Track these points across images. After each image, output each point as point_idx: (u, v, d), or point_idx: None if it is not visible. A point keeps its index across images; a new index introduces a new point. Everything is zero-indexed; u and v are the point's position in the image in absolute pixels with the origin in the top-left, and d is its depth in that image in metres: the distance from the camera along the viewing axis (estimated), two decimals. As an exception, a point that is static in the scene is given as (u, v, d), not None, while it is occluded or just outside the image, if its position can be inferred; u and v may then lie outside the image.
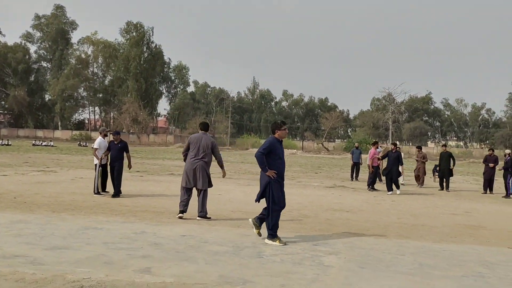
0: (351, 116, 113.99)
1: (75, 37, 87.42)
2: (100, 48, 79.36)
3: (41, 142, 52.03)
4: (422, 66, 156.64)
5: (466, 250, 6.19)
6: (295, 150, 70.81)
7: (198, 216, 7.74)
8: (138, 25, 77.80)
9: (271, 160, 6.17)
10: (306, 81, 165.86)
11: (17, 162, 20.82)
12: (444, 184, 16.14)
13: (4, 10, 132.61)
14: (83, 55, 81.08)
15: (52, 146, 48.23)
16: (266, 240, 6.05)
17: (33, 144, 48.94)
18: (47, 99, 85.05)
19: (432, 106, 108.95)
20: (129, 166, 11.05)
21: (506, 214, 10.70)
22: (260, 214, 6.35)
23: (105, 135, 11.98)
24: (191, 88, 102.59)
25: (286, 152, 66.64)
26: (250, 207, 9.67)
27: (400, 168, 15.32)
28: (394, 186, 14.30)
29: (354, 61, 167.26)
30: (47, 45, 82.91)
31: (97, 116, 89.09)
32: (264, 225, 6.23)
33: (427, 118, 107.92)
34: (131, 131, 74.78)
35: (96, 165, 11.03)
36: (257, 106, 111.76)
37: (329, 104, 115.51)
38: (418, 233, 7.41)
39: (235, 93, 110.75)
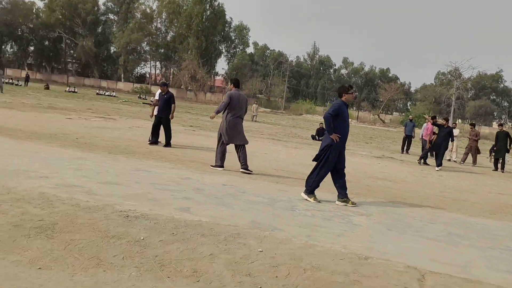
0: (412, 89, 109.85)
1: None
2: (165, 3, 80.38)
3: (104, 92, 54.48)
4: (494, 41, 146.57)
5: (502, 226, 6.15)
6: (350, 120, 69.83)
7: (241, 169, 8.07)
8: (202, -18, 77.83)
9: (337, 123, 6.27)
10: (368, 50, 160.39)
11: (81, 108, 22.13)
12: (499, 164, 15.58)
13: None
14: (148, 10, 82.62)
15: (114, 96, 50.43)
16: (302, 194, 6.28)
17: (97, 93, 51.35)
18: (112, 51, 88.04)
19: (502, 85, 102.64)
20: (171, 117, 11.32)
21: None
22: (338, 190, 6.36)
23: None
24: (250, 49, 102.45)
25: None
26: (292, 167, 9.95)
27: (450, 145, 14.96)
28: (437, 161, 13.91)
29: (420, 31, 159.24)
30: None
31: (157, 71, 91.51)
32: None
33: (494, 97, 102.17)
34: (189, 88, 76.34)
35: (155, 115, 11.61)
36: (315, 72, 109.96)
37: (390, 75, 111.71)
38: (456, 207, 7.39)
39: (294, 57, 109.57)
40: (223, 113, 8.29)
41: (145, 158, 8.42)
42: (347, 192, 6.28)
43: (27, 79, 48.98)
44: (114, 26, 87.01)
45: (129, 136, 12.19)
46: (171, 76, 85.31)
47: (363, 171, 11.00)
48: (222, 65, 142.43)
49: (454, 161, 17.19)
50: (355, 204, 6.24)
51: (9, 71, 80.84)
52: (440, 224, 5.74)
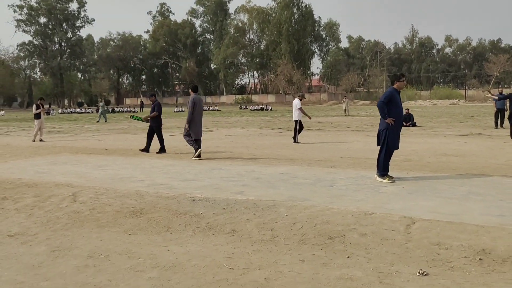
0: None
1: (231, 7, 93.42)
2: (254, 15, 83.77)
3: (208, 107, 58.69)
4: None
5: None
6: (457, 100, 65.86)
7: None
8: (288, -13, 79.67)
9: (390, 108, 6.97)
10: (472, 22, 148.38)
11: (183, 125, 24.85)
12: None
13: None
14: (239, 24, 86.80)
15: (217, 110, 54.14)
16: (377, 178, 7.01)
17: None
18: (212, 68, 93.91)
19: None
20: (146, 118, 12.18)
21: None
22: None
23: (300, 99, 14.20)
24: (344, 44, 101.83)
25: (446, 102, 62.52)
26: (361, 154, 10.83)
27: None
28: None
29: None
30: (209, 18, 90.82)
31: (255, 80, 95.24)
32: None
33: None
34: (287, 92, 78.38)
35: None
36: (417, 55, 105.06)
37: (502, 45, 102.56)
38: (509, 172, 7.75)
39: (391, 44, 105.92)
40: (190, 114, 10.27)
41: (223, 159, 10.02)
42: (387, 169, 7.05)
43: (141, 106, 54.89)
44: (211, 45, 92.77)
45: (218, 144, 14.01)
46: (268, 83, 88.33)
47: (433, 150, 11.43)
48: (317, 64, 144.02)
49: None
50: (394, 179, 6.92)
51: (127, 100, 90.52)
52: (467, 186, 6.39)
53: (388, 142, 6.99)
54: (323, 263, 3.84)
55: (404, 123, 20.54)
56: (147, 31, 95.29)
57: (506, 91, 13.34)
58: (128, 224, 5.10)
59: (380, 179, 6.96)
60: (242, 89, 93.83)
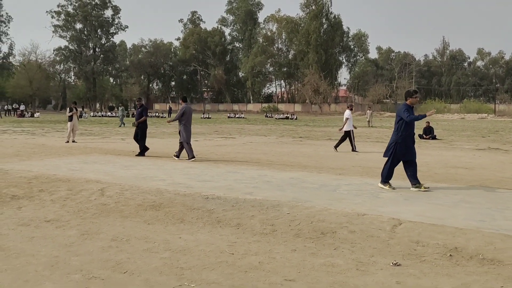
0: None
1: (261, 16, 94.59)
2: (283, 24, 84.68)
3: (234, 114, 59.68)
4: None
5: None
6: (486, 114, 64.84)
7: (176, 156, 11.69)
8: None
9: (402, 124, 7.37)
10: (506, 35, 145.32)
11: (209, 131, 25.72)
12: None
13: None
14: (268, 33, 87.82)
15: (243, 118, 55.01)
16: (379, 184, 7.49)
17: (228, 117, 56.62)
18: (240, 76, 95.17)
19: None
20: (135, 124, 12.85)
21: None
22: (410, 179, 7.41)
23: (351, 109, 14.81)
24: (374, 55, 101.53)
25: (475, 116, 61.64)
26: (373, 164, 11.31)
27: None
28: None
29: None
30: (239, 27, 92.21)
31: (282, 89, 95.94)
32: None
33: None
34: (313, 101, 78.75)
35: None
36: (447, 68, 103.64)
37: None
38: (509, 185, 8.12)
39: (422, 56, 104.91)
40: (178, 122, 11.70)
41: (241, 164, 10.68)
42: (417, 179, 7.35)
43: (169, 111, 56.30)
44: (240, 53, 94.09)
45: (239, 150, 14.68)
46: (295, 92, 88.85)
47: (444, 163, 11.78)
48: (344, 75, 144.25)
49: None
50: (428, 188, 7.25)
51: (156, 106, 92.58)
52: (461, 195, 6.84)
53: (396, 154, 7.44)
54: (311, 252, 4.42)
55: (424, 136, 20.84)
56: (178, 39, 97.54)
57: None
58: (147, 215, 5.80)
59: (381, 185, 7.46)
60: (269, 98, 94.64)
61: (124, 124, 31.23)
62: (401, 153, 7.46)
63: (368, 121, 34.22)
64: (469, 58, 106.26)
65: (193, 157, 11.19)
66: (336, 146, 14.58)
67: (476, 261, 4.17)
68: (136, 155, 12.24)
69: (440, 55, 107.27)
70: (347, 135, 14.55)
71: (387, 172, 7.50)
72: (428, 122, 21.25)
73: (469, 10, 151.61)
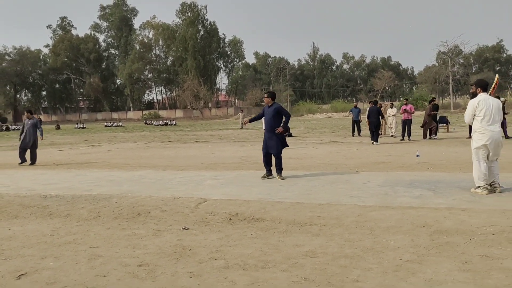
0: (415, 73, 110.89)
1: (136, 23, 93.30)
2: (160, 31, 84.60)
3: (112, 123, 58.31)
4: (492, 13, 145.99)
5: (415, 178, 8.77)
6: (349, 112, 71.68)
7: None
8: (192, 5, 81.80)
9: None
10: (367, 41, 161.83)
11: (78, 141, 25.39)
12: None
13: (73, 3, 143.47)
14: (145, 40, 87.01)
15: (121, 126, 54.10)
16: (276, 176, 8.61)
17: (105, 126, 55.19)
18: (118, 83, 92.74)
19: (505, 55, 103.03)
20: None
21: None
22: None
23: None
24: (251, 60, 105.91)
25: (340, 115, 67.89)
26: (221, 160, 12.66)
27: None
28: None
29: (416, 13, 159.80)
30: (113, 33, 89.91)
31: (163, 96, 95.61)
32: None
33: (499, 67, 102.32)
34: (194, 107, 79.89)
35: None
36: (318, 71, 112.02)
37: (392, 62, 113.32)
38: (319, 169, 9.99)
39: (296, 60, 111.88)
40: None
41: (93, 168, 11.33)
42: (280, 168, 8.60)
43: (39, 123, 53.03)
44: (117, 60, 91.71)
45: (100, 156, 15.18)
46: (177, 98, 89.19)
47: (284, 155, 13.60)
48: (224, 80, 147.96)
49: (392, 135, 19.78)
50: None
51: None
52: (272, 178, 8.43)
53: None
54: (122, 228, 5.46)
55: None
56: (47, 46, 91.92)
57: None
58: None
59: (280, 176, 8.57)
60: (150, 105, 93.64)
61: None
62: (263, 145, 8.79)
63: (241, 123, 36.27)
64: (337, 62, 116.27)
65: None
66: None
67: (247, 221, 5.56)
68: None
69: (311, 59, 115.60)
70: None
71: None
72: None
73: (334, 17, 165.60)
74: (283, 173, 8.71)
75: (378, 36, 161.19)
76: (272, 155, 8.68)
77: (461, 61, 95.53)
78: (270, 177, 8.59)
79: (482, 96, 6.42)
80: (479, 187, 6.26)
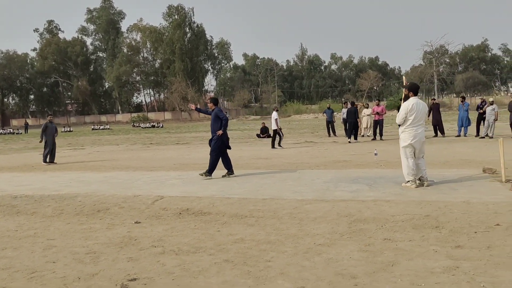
0: (402, 73, 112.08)
1: (124, 26, 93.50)
2: (147, 33, 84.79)
3: (99, 126, 58.57)
4: (477, 12, 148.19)
5: (359, 174, 9.38)
6: (336, 113, 72.55)
7: None
8: (179, 8, 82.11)
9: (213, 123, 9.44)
10: (355, 41, 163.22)
11: (62, 144, 25.79)
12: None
13: (60, 7, 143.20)
14: (133, 42, 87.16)
15: (108, 129, 54.38)
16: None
17: (93, 129, 55.47)
18: (106, 86, 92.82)
19: (490, 54, 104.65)
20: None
21: None
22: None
23: (277, 110, 16.85)
24: (240, 61, 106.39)
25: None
26: (194, 161, 13.21)
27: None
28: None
29: (403, 12, 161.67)
30: (101, 36, 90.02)
31: (152, 98, 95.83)
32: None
33: (485, 66, 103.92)
34: (183, 109, 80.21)
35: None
36: (307, 72, 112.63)
37: (379, 62, 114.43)
38: (283, 167, 10.59)
39: (284, 61, 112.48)
40: None
41: (68, 170, 11.84)
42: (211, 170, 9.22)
43: (26, 127, 53.27)
44: (104, 63, 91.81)
45: (81, 159, 15.68)
46: (165, 100, 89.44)
47: (256, 155, 14.22)
48: (212, 82, 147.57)
49: (367, 135, 20.46)
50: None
51: (14, 122, 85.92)
52: (230, 177, 9.02)
53: (217, 148, 9.30)
54: (80, 223, 6.01)
55: (261, 135, 23.73)
56: (34, 49, 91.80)
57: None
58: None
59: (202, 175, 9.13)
60: (138, 107, 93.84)
61: None
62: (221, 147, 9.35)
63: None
64: (325, 62, 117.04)
65: None
66: (272, 146, 16.59)
67: (194, 215, 6.14)
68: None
69: (300, 60, 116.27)
70: (275, 133, 16.80)
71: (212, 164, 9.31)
72: (264, 123, 24.19)
73: (322, 18, 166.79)
74: (237, 172, 9.40)
75: (365, 36, 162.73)
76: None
77: (447, 60, 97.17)
78: (231, 175, 9.19)
79: (414, 100, 7.07)
80: (408, 181, 6.91)
